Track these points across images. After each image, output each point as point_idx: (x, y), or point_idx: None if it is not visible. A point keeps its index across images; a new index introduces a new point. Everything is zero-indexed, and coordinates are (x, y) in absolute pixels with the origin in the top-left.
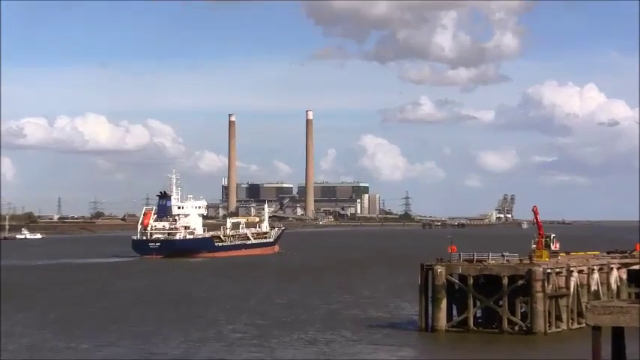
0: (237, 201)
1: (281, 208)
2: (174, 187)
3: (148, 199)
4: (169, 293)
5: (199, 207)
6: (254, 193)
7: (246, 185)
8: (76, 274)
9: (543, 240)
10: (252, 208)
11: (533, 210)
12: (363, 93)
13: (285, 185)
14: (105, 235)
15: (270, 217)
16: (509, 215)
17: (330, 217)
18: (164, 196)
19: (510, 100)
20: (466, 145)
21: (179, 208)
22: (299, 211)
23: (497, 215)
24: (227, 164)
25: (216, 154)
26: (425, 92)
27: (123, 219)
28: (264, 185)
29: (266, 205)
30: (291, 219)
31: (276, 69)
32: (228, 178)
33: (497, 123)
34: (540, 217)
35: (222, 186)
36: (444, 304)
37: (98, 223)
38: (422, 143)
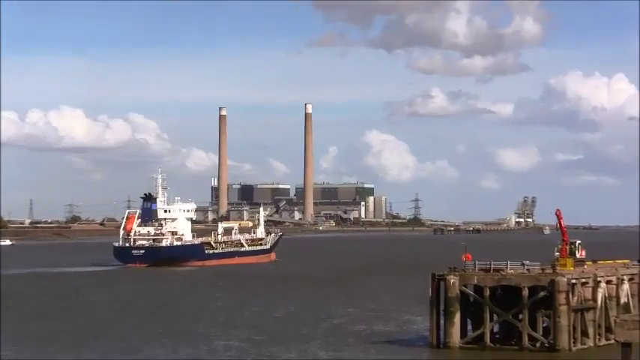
0: (229, 204)
1: (277, 212)
2: (159, 188)
3: (129, 201)
4: (155, 305)
5: (188, 210)
6: (247, 194)
7: (239, 186)
8: (52, 285)
9: (567, 247)
10: (244, 212)
11: (556, 214)
12: (367, 84)
13: (281, 186)
14: (82, 242)
15: (265, 222)
16: (530, 219)
17: (331, 221)
18: (149, 199)
19: (531, 92)
20: (482, 141)
21: (165, 211)
22: (297, 215)
23: (517, 219)
24: (217, 163)
25: (205, 151)
26: (436, 83)
27: (102, 224)
28: (259, 186)
29: (261, 209)
30: (288, 224)
31: (271, 58)
32: (219, 178)
33: (517, 117)
34: (564, 222)
35: (212, 187)
36: (457, 318)
37: (74, 228)
38: (433, 140)
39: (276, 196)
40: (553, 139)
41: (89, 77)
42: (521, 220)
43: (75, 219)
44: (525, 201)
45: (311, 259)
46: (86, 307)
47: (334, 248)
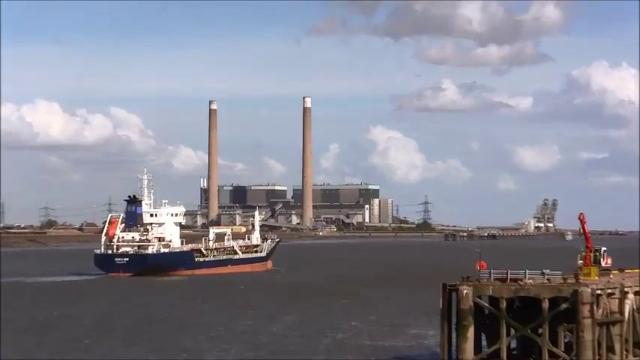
0: (219, 207)
1: (272, 216)
2: (145, 189)
3: (110, 204)
4: (141, 319)
5: (176, 214)
6: (240, 197)
7: (230, 188)
8: (26, 296)
9: (592, 254)
10: (237, 216)
11: (579, 218)
12: (372, 76)
13: (277, 188)
14: (59, 249)
15: (259, 227)
16: (551, 224)
17: (333, 226)
18: (133, 201)
19: (551, 85)
20: (498, 138)
21: (152, 215)
22: (294, 220)
23: (536, 224)
24: (207, 162)
25: (193, 149)
26: (448, 75)
27: (80, 229)
28: (252, 188)
29: (256, 212)
30: (284, 229)
31: (266, 47)
32: (209, 178)
33: (536, 112)
34: (588, 227)
35: (201, 188)
36: (471, 332)
37: (50, 234)
38: (444, 136)
39: (271, 199)
40: (576, 135)
41: (67, 68)
42: (541, 224)
43: (51, 224)
44: (545, 204)
45: (311, 268)
46: (64, 320)
47: (336, 256)
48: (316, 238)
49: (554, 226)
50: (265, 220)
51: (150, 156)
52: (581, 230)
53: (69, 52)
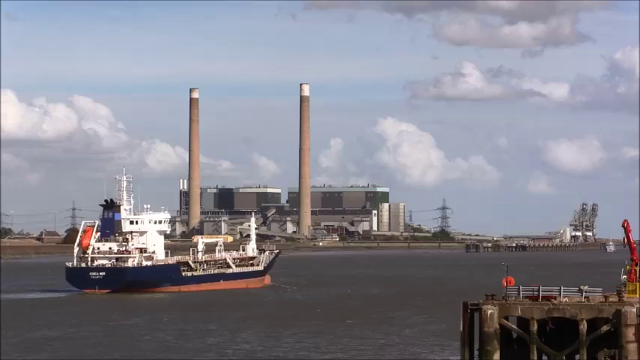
0: (202, 212)
1: (264, 223)
2: (124, 193)
3: (74, 209)
4: (119, 343)
5: (160, 222)
6: (226, 201)
7: (215, 190)
8: None
9: (638, 268)
10: (222, 223)
11: (623, 226)
12: (381, 58)
13: (269, 190)
14: (14, 262)
15: (247, 236)
16: (590, 233)
17: (334, 235)
18: (110, 207)
19: (592, 69)
20: (529, 132)
21: (132, 223)
22: (289, 227)
23: (573, 233)
24: (187, 160)
25: (171, 145)
26: (470, 57)
27: (39, 238)
28: (240, 190)
29: (253, 218)
30: (278, 238)
31: (256, 24)
32: (189, 180)
33: (574, 101)
34: (634, 236)
35: (181, 191)
36: (496, 358)
37: (4, 244)
38: (466, 130)
39: (263, 203)
40: (620, 129)
41: (22, 49)
42: (579, 233)
43: (5, 232)
44: (584, 209)
45: (311, 285)
46: (28, 346)
47: (337, 271)
48: (315, 249)
49: (594, 235)
50: (256, 228)
51: (120, 153)
52: (626, 240)
53: (24, 30)
